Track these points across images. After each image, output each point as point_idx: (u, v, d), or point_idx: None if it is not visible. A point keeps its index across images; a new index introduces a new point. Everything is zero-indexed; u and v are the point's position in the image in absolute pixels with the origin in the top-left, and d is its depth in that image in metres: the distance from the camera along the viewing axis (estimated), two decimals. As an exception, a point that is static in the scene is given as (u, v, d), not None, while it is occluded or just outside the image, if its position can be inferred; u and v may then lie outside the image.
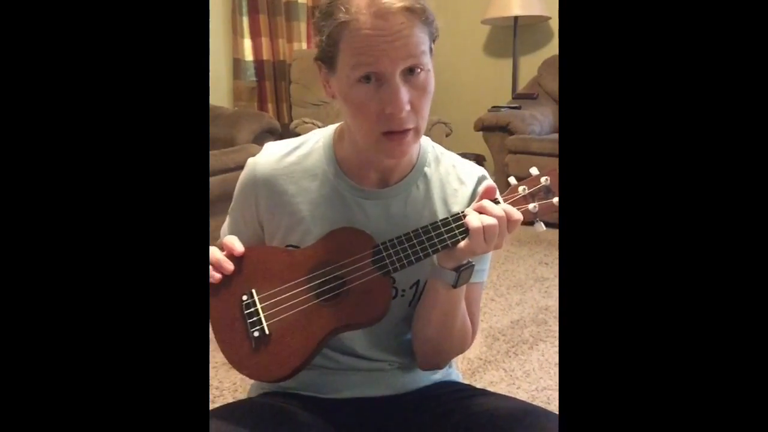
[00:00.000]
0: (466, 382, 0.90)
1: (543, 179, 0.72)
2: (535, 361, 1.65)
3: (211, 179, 2.27)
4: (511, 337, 1.82)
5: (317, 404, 0.80)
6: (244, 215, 0.85)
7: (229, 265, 0.74)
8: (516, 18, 3.60)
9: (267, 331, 0.71)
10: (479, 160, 3.67)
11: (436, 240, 0.70)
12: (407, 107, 0.68)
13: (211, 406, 0.76)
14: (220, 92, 3.48)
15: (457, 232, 0.70)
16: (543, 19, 3.72)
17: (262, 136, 3.01)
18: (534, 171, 0.73)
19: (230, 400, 0.78)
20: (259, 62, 3.62)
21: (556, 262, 0.56)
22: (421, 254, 0.70)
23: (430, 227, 0.71)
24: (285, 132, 3.14)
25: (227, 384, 1.53)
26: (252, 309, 0.73)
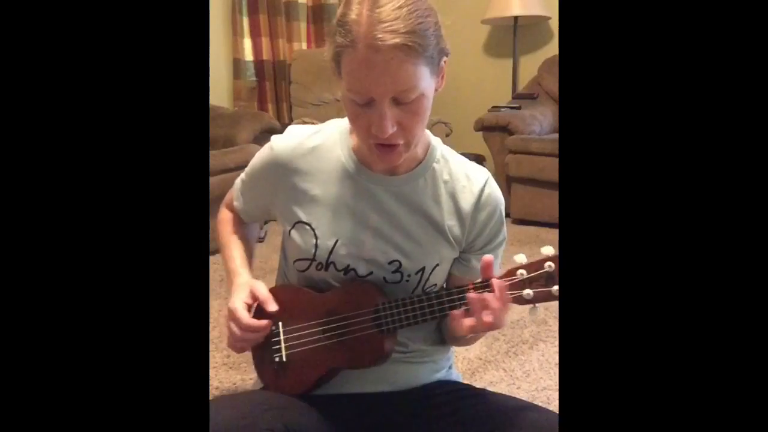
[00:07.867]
0: (466, 382, 0.91)
1: (547, 265, 0.71)
2: (535, 361, 1.65)
3: (211, 179, 2.27)
4: (511, 337, 1.82)
5: (319, 400, 0.81)
6: (255, 192, 0.90)
7: (273, 308, 0.83)
8: (516, 18, 3.59)
9: (285, 359, 0.85)
10: (479, 160, 3.67)
11: (427, 309, 0.78)
12: (392, 130, 0.70)
13: (211, 407, 0.76)
14: (220, 92, 3.48)
15: (447, 306, 0.77)
16: (543, 19, 3.71)
17: (262, 136, 3.00)
18: (547, 251, 0.72)
19: (230, 400, 0.82)
20: (259, 62, 3.62)
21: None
22: (412, 321, 0.79)
23: (426, 296, 0.78)
24: (285, 132, 3.13)
25: (227, 384, 1.53)
26: (276, 339, 0.86)
